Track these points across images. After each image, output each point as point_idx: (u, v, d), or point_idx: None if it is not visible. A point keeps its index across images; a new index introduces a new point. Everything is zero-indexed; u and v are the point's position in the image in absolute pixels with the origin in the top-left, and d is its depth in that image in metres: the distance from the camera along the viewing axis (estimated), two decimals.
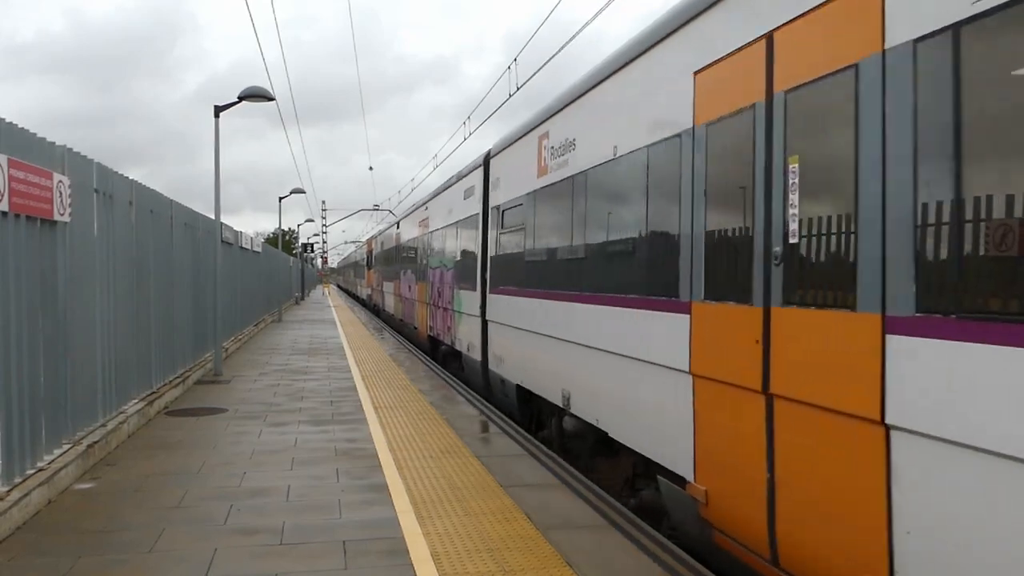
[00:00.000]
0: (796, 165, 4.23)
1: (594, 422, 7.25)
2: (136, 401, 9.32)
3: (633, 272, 6.40)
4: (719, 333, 5.00)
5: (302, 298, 51.97)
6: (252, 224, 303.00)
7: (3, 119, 5.73)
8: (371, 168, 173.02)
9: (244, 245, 20.62)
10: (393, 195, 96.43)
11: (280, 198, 34.50)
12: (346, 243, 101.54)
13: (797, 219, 4.23)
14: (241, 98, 13.71)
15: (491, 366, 11.80)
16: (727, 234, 4.94)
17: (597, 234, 7.33)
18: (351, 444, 8.20)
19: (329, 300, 54.22)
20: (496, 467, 7.17)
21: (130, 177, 9.21)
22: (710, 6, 5.15)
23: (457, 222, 14.93)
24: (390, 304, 28.96)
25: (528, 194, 9.67)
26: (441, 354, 17.02)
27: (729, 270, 4.91)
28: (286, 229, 70.66)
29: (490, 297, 11.88)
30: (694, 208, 5.32)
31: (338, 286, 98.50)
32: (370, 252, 41.12)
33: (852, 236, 3.81)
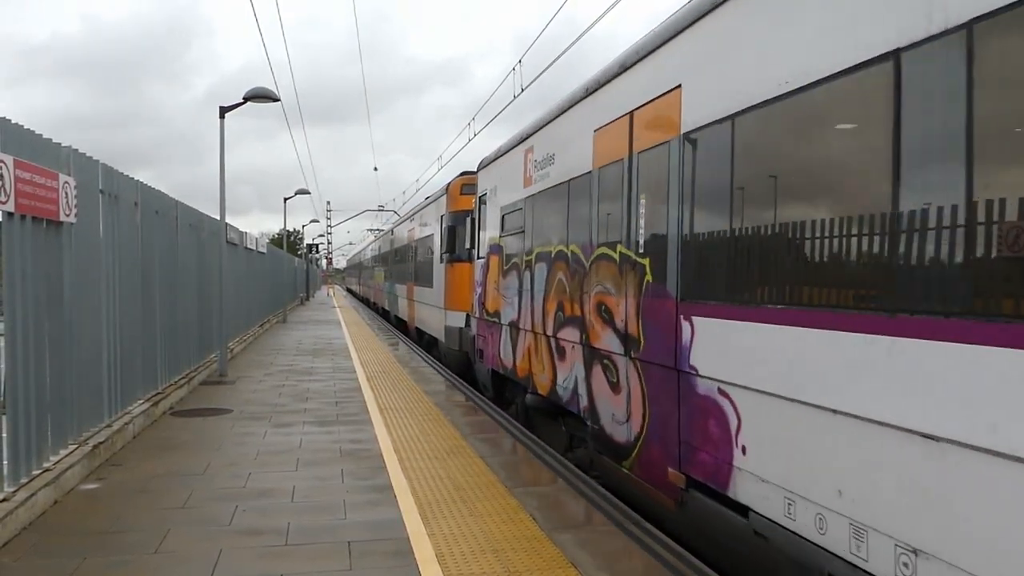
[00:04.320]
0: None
1: None
2: (142, 402, 9.34)
3: None
4: None
5: (307, 298, 52.24)
6: (260, 225, 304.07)
7: (9, 120, 5.75)
8: (376, 169, 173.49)
9: (249, 246, 20.66)
10: (398, 196, 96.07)
11: (285, 199, 34.56)
12: (350, 247, 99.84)
13: None
14: (246, 99, 13.72)
15: None
16: None
17: None
18: (356, 445, 8.20)
19: (333, 301, 54.43)
20: (501, 468, 7.17)
21: (138, 179, 9.24)
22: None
23: None
24: None
25: None
26: None
27: None
28: (291, 230, 70.79)
29: None
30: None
31: (349, 290, 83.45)
32: (480, 207, 12.15)
33: None
